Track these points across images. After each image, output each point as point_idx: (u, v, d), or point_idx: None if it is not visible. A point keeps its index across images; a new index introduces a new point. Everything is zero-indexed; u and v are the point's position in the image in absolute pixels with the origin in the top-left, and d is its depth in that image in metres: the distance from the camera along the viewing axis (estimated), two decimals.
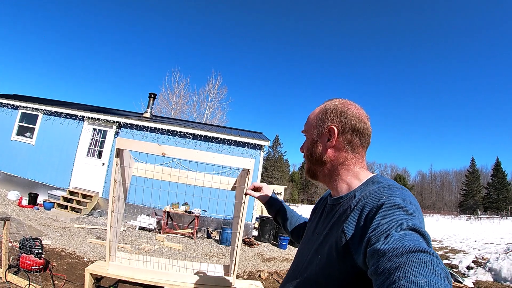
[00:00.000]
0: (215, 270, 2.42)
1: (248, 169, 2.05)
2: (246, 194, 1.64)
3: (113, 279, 2.39)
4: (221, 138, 11.61)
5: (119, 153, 2.04)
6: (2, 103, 12.60)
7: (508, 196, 59.50)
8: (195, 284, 2.24)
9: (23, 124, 12.26)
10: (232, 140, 11.64)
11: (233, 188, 2.39)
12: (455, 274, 7.18)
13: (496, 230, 21.47)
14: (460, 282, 6.87)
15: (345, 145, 1.03)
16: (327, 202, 1.13)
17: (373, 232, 0.74)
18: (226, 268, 2.43)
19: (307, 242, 1.12)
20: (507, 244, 11.79)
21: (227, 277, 2.28)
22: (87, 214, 10.13)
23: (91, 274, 2.36)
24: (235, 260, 2.13)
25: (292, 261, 1.22)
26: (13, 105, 12.39)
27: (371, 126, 1.08)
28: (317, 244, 1.00)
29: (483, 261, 8.86)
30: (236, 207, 2.30)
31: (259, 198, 1.62)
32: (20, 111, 12.28)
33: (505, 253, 8.76)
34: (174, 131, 11.58)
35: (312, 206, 1.34)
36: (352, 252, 0.81)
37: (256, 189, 1.64)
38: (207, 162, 1.98)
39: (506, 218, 38.90)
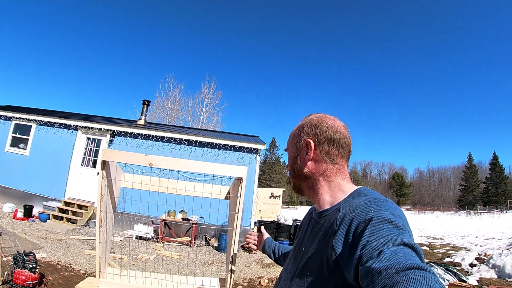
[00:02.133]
0: (210, 284, 2.32)
1: (241, 178, 1.95)
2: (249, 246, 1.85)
3: None
4: (216, 143, 11.50)
5: (104, 165, 1.94)
6: None
7: (506, 190, 59.80)
8: None
9: (17, 135, 12.12)
10: (227, 145, 11.53)
11: (227, 197, 2.29)
12: (459, 273, 7.09)
13: (496, 224, 21.46)
14: (464, 281, 6.77)
15: (323, 157, 1.04)
16: (312, 216, 1.11)
17: (364, 249, 0.72)
18: (222, 281, 2.32)
19: (294, 257, 1.09)
20: (509, 239, 11.76)
21: None
22: (83, 225, 9.98)
23: None
24: (231, 273, 2.02)
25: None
26: (6, 116, 12.25)
27: (350, 135, 1.10)
28: (304, 259, 0.97)
29: (486, 258, 8.79)
30: (230, 218, 2.19)
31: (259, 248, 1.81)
32: (13, 122, 12.14)
33: (507, 249, 8.71)
34: (169, 137, 11.47)
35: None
36: (342, 268, 0.79)
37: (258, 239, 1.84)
38: (197, 171, 1.88)
39: (506, 212, 39.02)
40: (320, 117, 1.09)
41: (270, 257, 1.70)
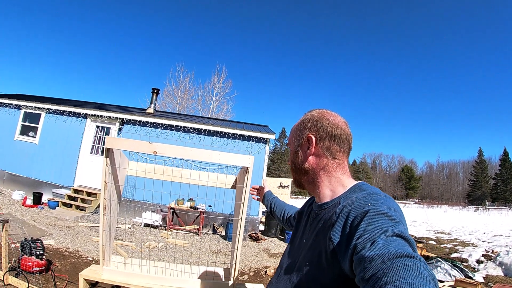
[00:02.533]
0: (215, 274, 2.30)
1: (247, 167, 1.92)
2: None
3: (109, 284, 2.28)
4: (225, 132, 11.48)
5: (108, 152, 1.92)
6: (5, 103, 12.59)
7: None
8: None
9: (26, 123, 12.25)
10: (236, 134, 11.51)
11: (233, 187, 2.25)
12: (466, 269, 7.01)
13: (504, 221, 21.27)
14: (471, 278, 6.71)
15: (324, 152, 1.06)
16: (312, 207, 1.14)
17: (359, 239, 0.75)
18: (227, 272, 2.30)
19: (295, 247, 1.12)
20: None
21: (225, 282, 2.15)
22: (92, 212, 10.08)
23: (85, 279, 2.25)
24: (235, 264, 2.00)
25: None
26: (15, 104, 12.36)
27: (351, 131, 1.12)
28: (305, 250, 1.00)
29: (493, 255, 8.69)
30: (236, 208, 2.17)
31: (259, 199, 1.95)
32: (23, 111, 12.26)
33: None
34: (178, 126, 11.47)
35: None
36: (339, 259, 0.81)
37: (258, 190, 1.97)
38: (202, 160, 1.84)
39: None
40: (321, 113, 1.11)
41: (267, 208, 1.86)
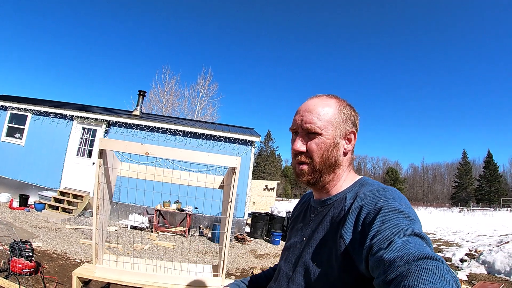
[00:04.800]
0: (204, 270, 2.39)
1: (235, 168, 2.01)
2: None
3: (102, 282, 2.35)
4: (211, 135, 11.56)
5: (102, 153, 1.99)
6: None
7: (500, 188, 60.25)
8: (183, 285, 2.20)
9: (12, 125, 12.07)
10: (222, 137, 11.60)
11: (221, 187, 2.35)
12: None
13: (488, 222, 21.72)
14: None
15: (353, 148, 1.03)
16: (309, 204, 1.10)
17: (374, 239, 0.72)
18: (215, 269, 2.39)
19: (293, 247, 1.07)
20: (500, 236, 11.93)
21: (216, 278, 2.25)
22: (79, 215, 10.02)
23: (78, 277, 2.31)
24: (224, 260, 2.10)
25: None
26: (1, 105, 12.19)
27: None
28: (308, 249, 0.95)
29: (476, 254, 8.91)
30: (223, 206, 2.26)
31: None
32: (9, 112, 12.09)
33: (498, 245, 8.83)
34: (164, 128, 11.50)
35: None
36: (353, 258, 0.79)
37: None
38: (192, 161, 1.94)
39: (499, 210, 39.45)
40: (353, 106, 1.05)
41: None
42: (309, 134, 0.98)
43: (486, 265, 7.73)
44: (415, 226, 0.73)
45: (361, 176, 1.02)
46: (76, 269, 2.34)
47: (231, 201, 2.03)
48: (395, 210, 0.77)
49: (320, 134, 0.96)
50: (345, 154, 1.00)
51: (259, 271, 6.49)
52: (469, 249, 9.86)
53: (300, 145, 0.98)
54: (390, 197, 0.82)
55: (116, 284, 2.32)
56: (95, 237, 2.15)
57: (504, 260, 7.48)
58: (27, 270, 4.52)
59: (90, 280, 2.43)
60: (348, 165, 1.02)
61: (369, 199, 0.84)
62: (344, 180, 1.00)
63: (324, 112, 0.97)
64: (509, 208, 42.73)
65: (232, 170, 2.03)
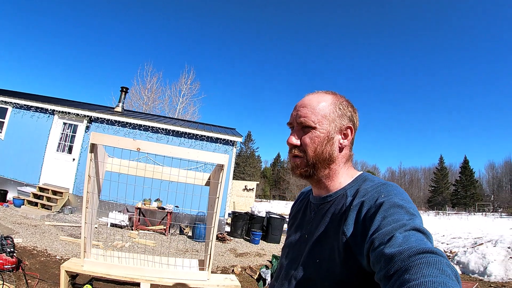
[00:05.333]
0: (190, 265, 2.45)
1: (223, 165, 2.09)
2: None
3: (88, 276, 2.38)
4: (194, 134, 11.59)
5: (93, 148, 2.04)
6: None
7: (475, 193, 61.74)
8: (170, 279, 2.26)
9: None
10: (205, 136, 11.64)
11: (207, 184, 2.42)
12: None
13: (464, 225, 22.26)
14: None
15: (350, 144, 1.02)
16: (309, 201, 1.10)
17: (375, 234, 0.73)
18: (201, 263, 2.46)
19: (294, 244, 1.06)
20: (475, 238, 12.30)
21: (202, 272, 2.32)
22: (58, 211, 9.87)
23: (66, 271, 2.33)
24: (210, 254, 2.17)
25: (273, 261, 1.15)
26: None
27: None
28: (310, 246, 0.95)
29: (451, 255, 9.22)
30: (210, 202, 2.33)
31: None
32: None
33: (472, 247, 9.16)
34: (146, 126, 11.44)
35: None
36: (355, 254, 0.80)
37: None
38: (182, 157, 2.00)
39: (474, 214, 40.55)
40: (351, 102, 1.05)
41: None
42: (304, 128, 0.99)
43: (461, 266, 8.03)
44: (416, 221, 0.74)
45: (361, 172, 1.02)
46: (64, 262, 2.37)
47: (218, 197, 2.11)
48: (396, 205, 0.77)
49: (314, 128, 0.97)
50: (341, 149, 0.99)
51: (239, 270, 6.59)
52: (444, 251, 10.19)
53: (294, 139, 1.00)
54: (391, 192, 0.83)
55: (99, 280, 2.36)
56: (84, 230, 2.18)
57: (478, 260, 7.79)
58: (9, 266, 4.45)
59: (77, 275, 2.46)
60: (345, 161, 1.01)
61: (370, 195, 0.85)
62: (343, 176, 1.00)
63: (319, 107, 0.98)
64: (484, 213, 44.01)
65: (220, 167, 2.11)
